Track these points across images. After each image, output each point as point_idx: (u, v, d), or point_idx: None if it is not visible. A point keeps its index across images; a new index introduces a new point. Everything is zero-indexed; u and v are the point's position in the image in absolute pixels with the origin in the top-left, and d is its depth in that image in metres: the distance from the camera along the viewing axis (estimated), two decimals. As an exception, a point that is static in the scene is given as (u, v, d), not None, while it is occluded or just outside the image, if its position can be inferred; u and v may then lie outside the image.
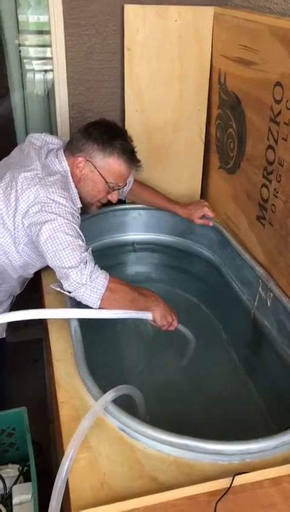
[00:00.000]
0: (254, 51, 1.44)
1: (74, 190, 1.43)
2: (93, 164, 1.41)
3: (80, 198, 1.45)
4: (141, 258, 2.00)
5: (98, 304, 1.26)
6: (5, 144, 1.71)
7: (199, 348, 1.52)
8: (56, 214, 1.27)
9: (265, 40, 1.36)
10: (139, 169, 1.50)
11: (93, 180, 1.43)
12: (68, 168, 1.42)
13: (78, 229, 1.31)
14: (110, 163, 1.41)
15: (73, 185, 1.42)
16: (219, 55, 1.71)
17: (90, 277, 1.24)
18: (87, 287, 1.24)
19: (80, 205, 1.45)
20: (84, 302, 1.26)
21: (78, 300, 1.28)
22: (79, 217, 1.39)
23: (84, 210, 1.49)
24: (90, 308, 1.27)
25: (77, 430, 0.97)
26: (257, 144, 1.50)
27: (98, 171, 1.41)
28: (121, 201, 1.84)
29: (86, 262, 1.25)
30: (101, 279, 1.25)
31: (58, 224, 1.26)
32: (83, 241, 1.29)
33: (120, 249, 1.96)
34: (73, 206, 1.34)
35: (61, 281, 1.28)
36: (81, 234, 1.31)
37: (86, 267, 1.24)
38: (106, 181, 1.43)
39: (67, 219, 1.28)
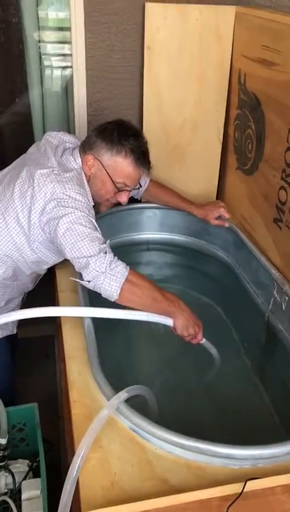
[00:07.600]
0: (275, 52, 1.42)
1: (87, 188, 1.42)
2: (101, 163, 1.41)
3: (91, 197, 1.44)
4: (154, 257, 1.99)
5: (118, 292, 1.22)
6: (23, 141, 1.72)
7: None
8: (73, 207, 1.28)
9: (288, 41, 1.35)
10: (150, 172, 1.49)
11: (102, 179, 1.42)
12: (81, 166, 1.42)
13: (95, 223, 1.31)
14: (117, 162, 1.41)
15: (86, 183, 1.42)
16: (240, 55, 1.69)
17: (109, 265, 1.23)
18: (107, 275, 1.22)
19: (92, 203, 1.44)
20: (103, 291, 1.24)
21: (97, 290, 1.25)
22: (94, 213, 1.38)
23: (95, 209, 1.48)
24: (109, 302, 1.25)
25: (88, 430, 0.96)
26: (276, 146, 1.48)
27: (106, 170, 1.41)
28: (136, 200, 1.84)
29: (106, 252, 1.25)
30: (121, 268, 1.24)
31: (76, 216, 1.27)
32: (100, 234, 1.29)
33: (134, 248, 1.95)
34: (88, 202, 1.34)
35: (81, 271, 1.27)
36: (98, 228, 1.31)
37: (105, 256, 1.23)
38: (112, 180, 1.42)
39: (84, 212, 1.28)
